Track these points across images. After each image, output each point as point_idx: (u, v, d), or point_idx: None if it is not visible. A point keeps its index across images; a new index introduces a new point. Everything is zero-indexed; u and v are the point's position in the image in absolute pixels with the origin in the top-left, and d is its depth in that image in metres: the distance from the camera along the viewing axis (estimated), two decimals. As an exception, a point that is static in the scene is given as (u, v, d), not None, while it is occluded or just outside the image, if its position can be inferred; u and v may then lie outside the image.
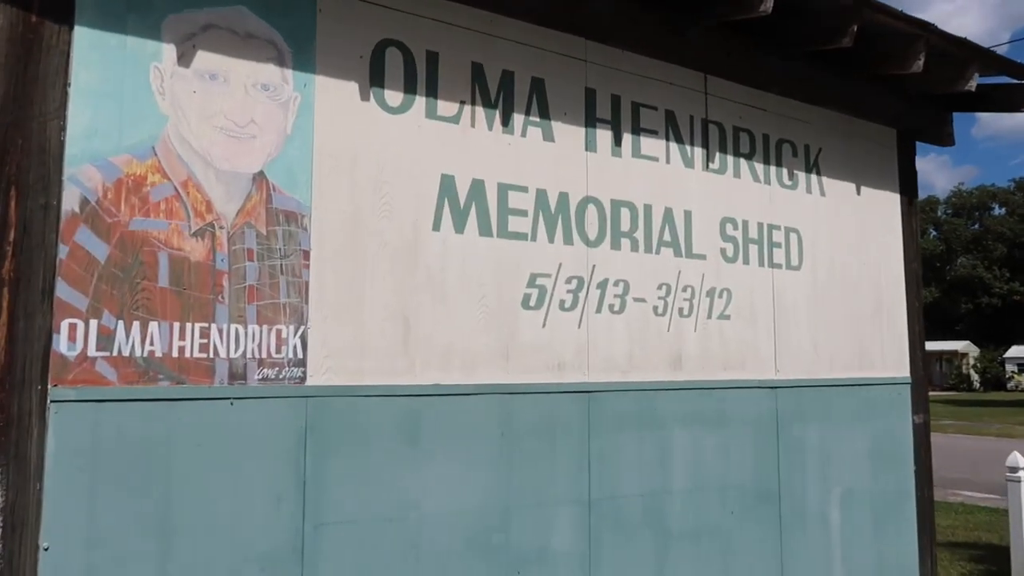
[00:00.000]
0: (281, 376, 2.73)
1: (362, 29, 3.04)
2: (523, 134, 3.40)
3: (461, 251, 3.17)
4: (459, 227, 3.18)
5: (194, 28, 2.70)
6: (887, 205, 4.89)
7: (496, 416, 3.18)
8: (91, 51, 2.52)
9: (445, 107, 3.21)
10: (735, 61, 4.10)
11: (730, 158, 4.10)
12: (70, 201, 2.44)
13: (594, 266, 3.52)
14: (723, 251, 4.01)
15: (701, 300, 3.88)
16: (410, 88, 3.13)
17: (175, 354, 2.55)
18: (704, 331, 3.88)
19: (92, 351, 2.43)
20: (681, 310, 3.80)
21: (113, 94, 2.53)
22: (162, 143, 2.60)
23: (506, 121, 3.36)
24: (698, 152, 3.97)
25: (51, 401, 2.36)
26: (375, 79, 3.05)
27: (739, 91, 4.16)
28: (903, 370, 4.82)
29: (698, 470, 3.77)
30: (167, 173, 2.60)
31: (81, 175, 2.46)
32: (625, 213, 3.65)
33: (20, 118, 2.40)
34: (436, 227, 3.12)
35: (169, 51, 2.64)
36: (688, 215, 3.89)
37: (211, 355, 2.61)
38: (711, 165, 4.02)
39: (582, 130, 3.57)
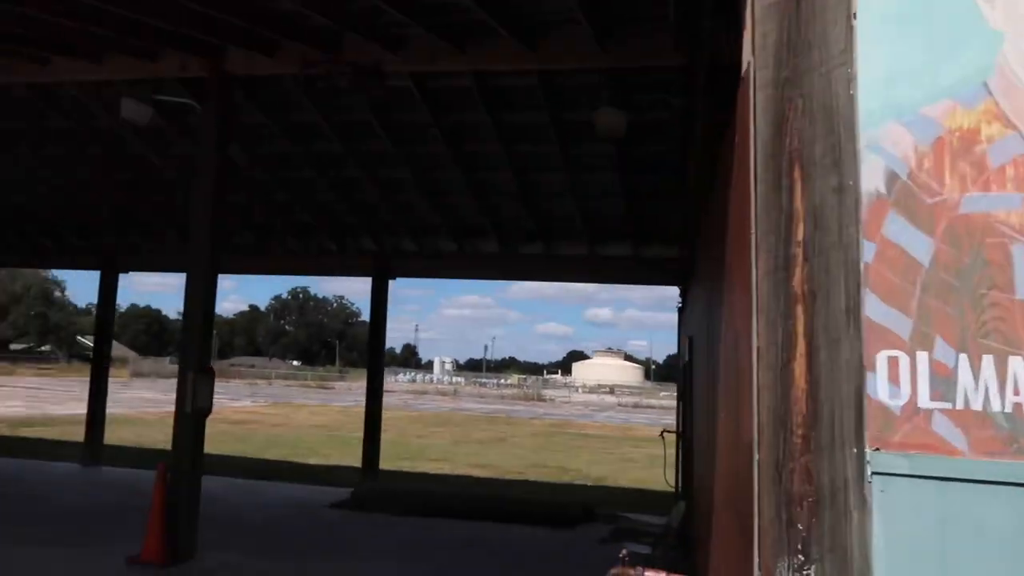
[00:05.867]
0: None
1: None
2: None
3: None
4: None
5: None
6: None
7: None
8: (880, -39, 1.74)
9: None
10: None
11: None
12: (871, 179, 1.67)
13: None
14: None
15: None
16: None
17: (1050, 408, 1.57)
18: None
19: (924, 400, 1.59)
20: None
21: (915, 16, 1.70)
22: (998, 75, 1.66)
23: None
24: None
25: (872, 473, 1.59)
26: None
27: None
28: None
29: None
30: (1010, 120, 1.65)
31: (883, 140, 1.68)
32: None
33: (796, 72, 1.74)
34: None
35: (989, -63, 1.72)
36: None
37: (1107, 409, 1.56)
38: None
39: None
